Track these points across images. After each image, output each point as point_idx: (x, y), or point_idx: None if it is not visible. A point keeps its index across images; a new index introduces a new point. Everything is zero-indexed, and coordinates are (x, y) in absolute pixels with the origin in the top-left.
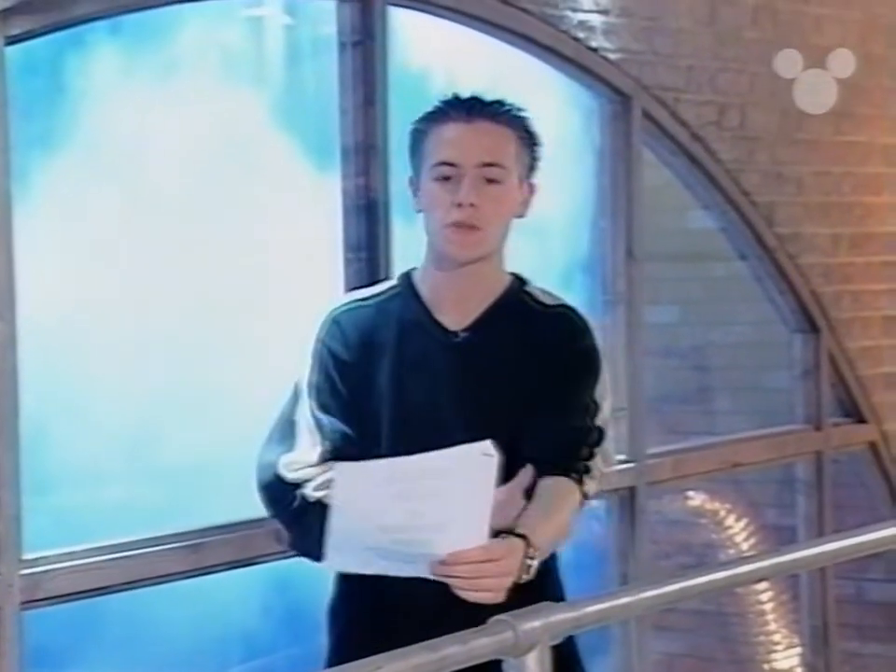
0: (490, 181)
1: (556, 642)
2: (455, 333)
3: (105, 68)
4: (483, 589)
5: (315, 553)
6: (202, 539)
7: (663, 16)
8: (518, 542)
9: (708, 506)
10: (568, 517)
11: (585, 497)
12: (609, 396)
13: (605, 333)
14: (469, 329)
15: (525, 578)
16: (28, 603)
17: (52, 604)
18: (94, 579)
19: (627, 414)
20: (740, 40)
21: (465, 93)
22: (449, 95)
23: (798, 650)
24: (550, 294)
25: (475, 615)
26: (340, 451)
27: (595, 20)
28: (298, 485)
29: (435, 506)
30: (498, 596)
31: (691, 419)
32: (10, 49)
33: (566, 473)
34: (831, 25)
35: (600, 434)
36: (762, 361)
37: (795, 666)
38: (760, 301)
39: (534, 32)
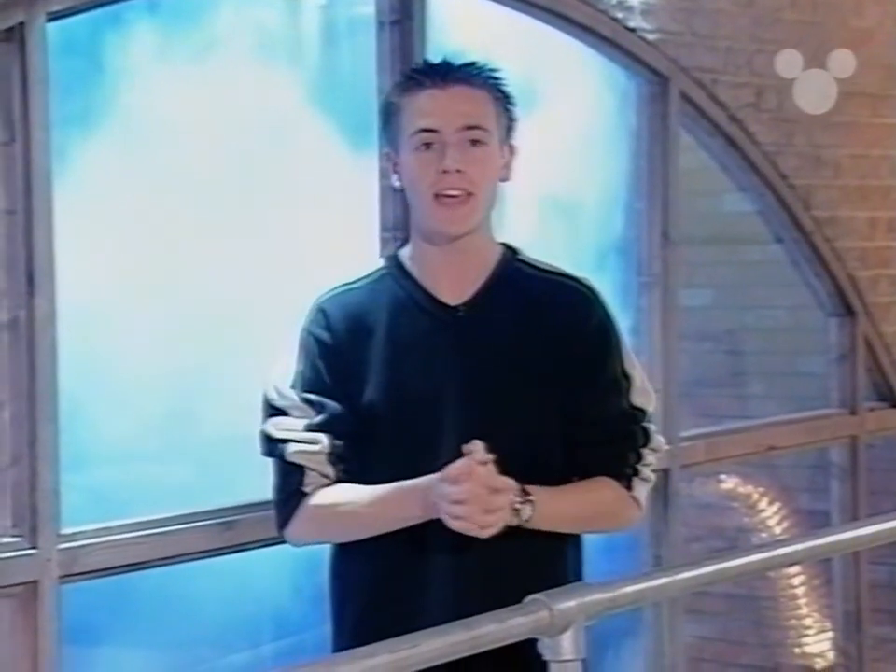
0: (474, 142)
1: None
2: (455, 308)
3: (143, 47)
4: (468, 517)
5: (281, 511)
6: (235, 517)
7: None
8: (514, 484)
9: (741, 489)
10: (593, 499)
11: (637, 501)
12: (637, 365)
13: (640, 315)
14: (469, 303)
15: (515, 521)
16: (66, 577)
17: (89, 578)
18: (130, 554)
19: (661, 397)
20: (778, 21)
21: (435, 59)
22: (419, 63)
23: (830, 634)
24: (545, 262)
25: (480, 580)
26: (331, 426)
27: (634, 0)
28: (282, 441)
29: None
30: (484, 531)
31: (724, 403)
32: (50, 27)
33: (611, 475)
34: (870, 7)
35: (646, 433)
36: (797, 345)
37: (827, 651)
38: (796, 284)
39: (571, 11)
